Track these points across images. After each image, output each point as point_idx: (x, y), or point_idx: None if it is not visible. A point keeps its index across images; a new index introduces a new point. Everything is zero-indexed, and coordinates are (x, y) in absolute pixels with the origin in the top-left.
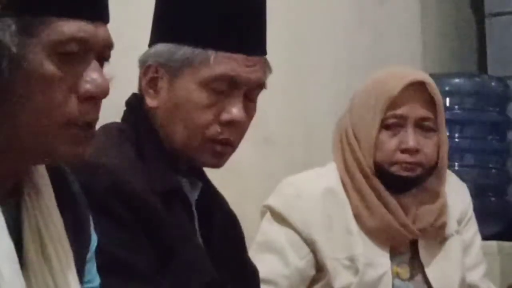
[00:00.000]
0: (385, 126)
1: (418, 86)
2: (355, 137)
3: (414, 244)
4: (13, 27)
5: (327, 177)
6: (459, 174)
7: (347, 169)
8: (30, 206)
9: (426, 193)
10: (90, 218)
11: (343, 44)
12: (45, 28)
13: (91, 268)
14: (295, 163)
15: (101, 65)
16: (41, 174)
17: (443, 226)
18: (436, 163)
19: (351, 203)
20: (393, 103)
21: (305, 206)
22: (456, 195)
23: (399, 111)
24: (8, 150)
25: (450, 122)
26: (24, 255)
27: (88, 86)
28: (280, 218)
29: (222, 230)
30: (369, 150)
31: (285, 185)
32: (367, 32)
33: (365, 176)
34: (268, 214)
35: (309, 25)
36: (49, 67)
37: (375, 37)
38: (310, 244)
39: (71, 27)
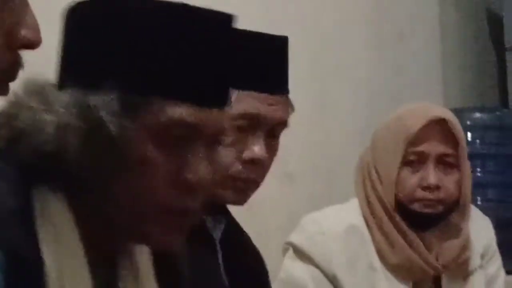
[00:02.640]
0: (406, 163)
1: (438, 123)
2: (377, 174)
3: (437, 280)
4: (115, 105)
5: (349, 213)
6: (482, 209)
7: (369, 205)
8: (126, 281)
9: (449, 229)
10: None
11: (363, 80)
12: (151, 109)
13: None
14: (316, 200)
15: (213, 149)
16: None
17: (466, 261)
18: (458, 199)
19: (373, 239)
20: (414, 140)
21: (328, 243)
22: (480, 229)
23: (419, 148)
24: (102, 228)
25: (471, 157)
26: None
27: (188, 176)
28: (303, 255)
29: (246, 267)
30: (390, 187)
31: (308, 221)
32: (387, 68)
33: (387, 213)
34: (290, 251)
35: (329, 61)
36: (151, 151)
37: (395, 73)
38: (333, 281)
39: (179, 111)
